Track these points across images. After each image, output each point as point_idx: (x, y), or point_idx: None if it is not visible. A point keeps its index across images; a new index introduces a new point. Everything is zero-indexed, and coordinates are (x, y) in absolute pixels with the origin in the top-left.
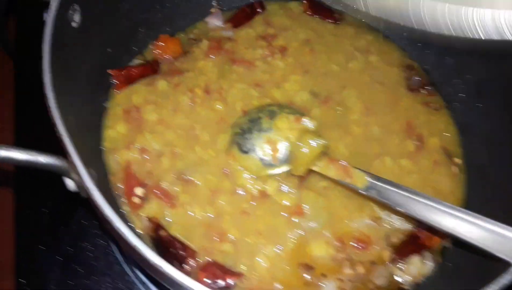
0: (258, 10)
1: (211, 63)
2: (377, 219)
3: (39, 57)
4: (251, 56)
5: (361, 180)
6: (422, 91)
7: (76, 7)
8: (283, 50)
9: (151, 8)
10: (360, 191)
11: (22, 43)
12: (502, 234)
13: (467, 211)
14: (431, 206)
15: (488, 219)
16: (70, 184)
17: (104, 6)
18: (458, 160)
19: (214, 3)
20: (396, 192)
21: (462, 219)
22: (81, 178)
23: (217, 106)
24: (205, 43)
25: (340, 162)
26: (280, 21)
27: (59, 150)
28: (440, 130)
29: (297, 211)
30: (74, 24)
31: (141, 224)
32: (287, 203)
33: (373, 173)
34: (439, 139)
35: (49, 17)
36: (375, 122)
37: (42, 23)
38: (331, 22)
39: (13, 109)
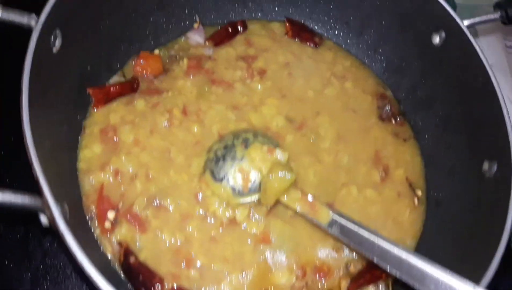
0: (240, 29)
1: (190, 83)
2: (339, 249)
3: (17, 88)
4: (230, 77)
5: (325, 216)
6: (393, 121)
7: (58, 32)
8: (262, 72)
9: (133, 23)
10: (322, 227)
11: None
12: (441, 281)
13: (417, 256)
14: (387, 249)
15: (439, 267)
16: (44, 220)
17: (85, 27)
18: (420, 192)
19: (197, 18)
20: (356, 231)
21: (413, 267)
22: (53, 217)
23: (194, 128)
24: (185, 62)
25: (307, 198)
26: (261, 42)
27: (31, 185)
28: (406, 162)
29: (264, 239)
30: (54, 50)
31: (112, 249)
32: (255, 231)
33: (338, 202)
34: (405, 170)
35: (30, 47)
36: (345, 150)
37: (19, 52)
38: (311, 46)
39: None
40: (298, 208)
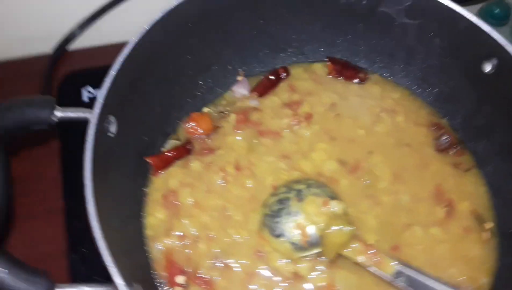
0: (282, 75)
1: (239, 137)
2: None
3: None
4: (277, 126)
5: (389, 267)
6: (451, 151)
7: (112, 118)
8: (308, 117)
9: (181, 89)
10: (387, 278)
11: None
12: None
13: None
14: None
15: None
16: None
17: (137, 107)
18: (489, 225)
19: (240, 70)
20: (424, 282)
21: None
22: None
23: (248, 183)
24: (232, 117)
25: (369, 249)
26: (305, 86)
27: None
28: (470, 193)
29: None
30: (110, 134)
31: None
32: (320, 284)
33: (403, 245)
34: (470, 202)
35: (88, 141)
36: (403, 190)
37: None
38: (357, 83)
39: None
40: (360, 260)
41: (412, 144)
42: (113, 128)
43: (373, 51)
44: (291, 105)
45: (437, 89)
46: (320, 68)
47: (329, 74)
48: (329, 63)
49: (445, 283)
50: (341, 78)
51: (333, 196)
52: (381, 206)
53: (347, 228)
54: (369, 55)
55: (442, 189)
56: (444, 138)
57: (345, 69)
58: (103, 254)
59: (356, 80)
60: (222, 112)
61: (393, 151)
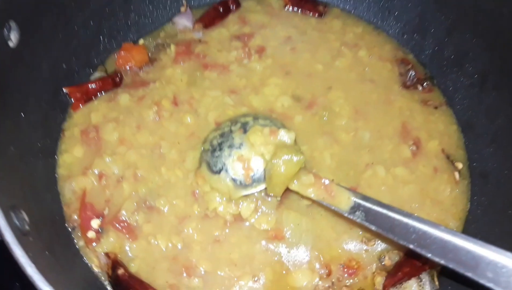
0: (232, 7)
1: (180, 70)
2: (369, 240)
3: None
4: (225, 60)
5: (344, 200)
6: (419, 87)
7: (12, 24)
8: (260, 50)
9: (112, 14)
10: (344, 213)
11: None
12: (501, 265)
13: (466, 237)
14: (426, 232)
15: (488, 246)
16: None
17: (51, 22)
18: (460, 165)
19: (183, 1)
20: (385, 214)
21: (463, 251)
22: None
23: (187, 119)
24: (172, 48)
25: (322, 180)
26: (257, 19)
27: None
28: (440, 132)
29: (277, 236)
30: (11, 44)
31: (98, 261)
32: (265, 227)
33: (364, 186)
34: (439, 141)
35: None
36: (365, 127)
37: None
38: (315, 16)
39: None
40: (311, 194)
41: (376, 80)
42: (13, 37)
43: None
44: (241, 37)
45: (403, 21)
46: (275, 1)
47: (284, 6)
48: None
49: (410, 214)
50: (298, 11)
51: (282, 127)
52: (339, 144)
53: (297, 157)
54: None
55: (408, 127)
56: (411, 73)
57: (303, 2)
58: None
59: (315, 14)
60: (159, 44)
61: (355, 86)
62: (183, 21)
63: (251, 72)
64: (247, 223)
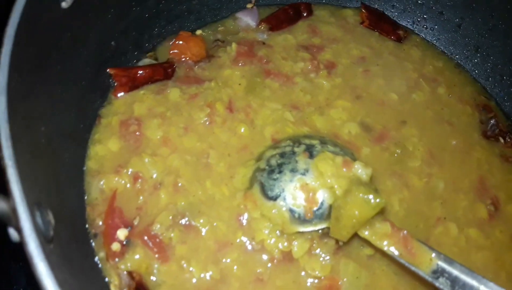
0: (303, 13)
1: (239, 73)
2: None
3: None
4: (289, 69)
5: (426, 261)
6: (501, 140)
7: None
8: (330, 66)
9: (176, 1)
10: (422, 275)
11: None
12: None
13: None
14: None
15: None
16: (13, 234)
17: None
18: None
19: None
20: (477, 288)
21: None
22: (20, 228)
23: (242, 129)
24: (233, 47)
25: (400, 232)
26: (329, 31)
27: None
28: None
29: (331, 286)
30: (64, 4)
31: (119, 281)
32: (318, 274)
33: (433, 243)
34: None
35: None
36: (440, 174)
37: None
38: (393, 40)
39: None
40: (387, 247)
41: (454, 123)
42: None
43: (419, 6)
44: (310, 48)
45: (491, 62)
46: (351, 15)
47: (361, 23)
48: (363, 11)
49: None
50: (376, 31)
51: (356, 159)
52: (411, 189)
53: (377, 199)
54: (414, 10)
55: (486, 183)
56: (493, 122)
57: (382, 22)
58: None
59: (393, 38)
60: (219, 40)
61: (431, 126)
62: (247, 19)
63: (318, 89)
64: (298, 265)
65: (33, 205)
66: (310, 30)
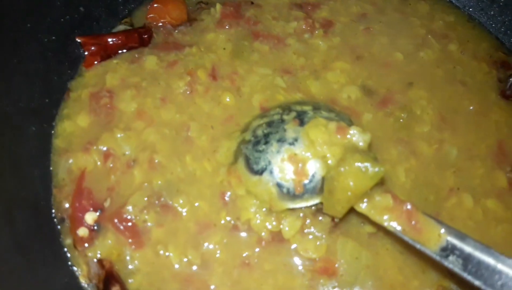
0: None
1: (224, 36)
2: None
3: None
4: (281, 31)
5: (434, 237)
6: None
7: None
8: (327, 25)
9: None
10: (433, 256)
11: None
12: None
13: None
14: None
15: None
16: None
17: None
18: None
19: None
20: (494, 267)
21: None
22: None
23: (226, 98)
24: (217, 8)
25: (403, 205)
26: None
27: None
28: None
29: (327, 269)
30: None
31: (88, 270)
32: (312, 255)
33: (445, 217)
34: None
35: None
36: (452, 140)
37: None
38: None
39: None
40: (388, 222)
41: (468, 83)
42: None
43: None
44: (304, 6)
45: (510, 13)
46: None
47: None
48: None
49: None
50: None
51: (352, 124)
52: (418, 157)
53: (376, 168)
54: None
55: (506, 148)
56: None
57: None
58: None
59: None
60: (202, 2)
61: (442, 87)
62: None
63: (313, 51)
64: (288, 246)
65: None
66: None
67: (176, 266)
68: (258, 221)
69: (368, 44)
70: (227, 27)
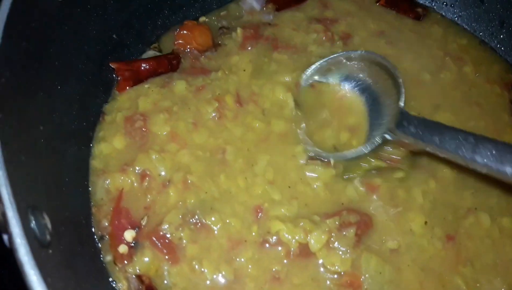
0: None
1: (246, 58)
2: None
3: None
4: (300, 41)
5: None
6: None
7: None
8: (346, 37)
9: None
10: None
11: None
12: None
13: None
14: None
15: None
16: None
17: None
18: None
19: None
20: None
21: None
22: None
23: (256, 124)
24: (239, 32)
25: None
26: (343, 7)
27: None
28: None
29: (352, 283)
30: None
31: (128, 285)
32: (338, 269)
33: (462, 235)
34: None
35: None
36: None
37: None
38: (412, 18)
39: None
40: None
41: (482, 104)
42: None
43: None
44: (323, 21)
45: None
46: None
47: (376, 2)
48: None
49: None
50: (392, 9)
51: None
52: (438, 179)
53: None
54: None
55: None
56: None
57: (398, 0)
58: None
59: (410, 16)
60: (224, 28)
61: (462, 108)
62: (252, 1)
63: None
64: (315, 260)
65: (26, 209)
66: (321, 5)
67: (210, 280)
68: (287, 234)
69: (397, 57)
70: (249, 48)
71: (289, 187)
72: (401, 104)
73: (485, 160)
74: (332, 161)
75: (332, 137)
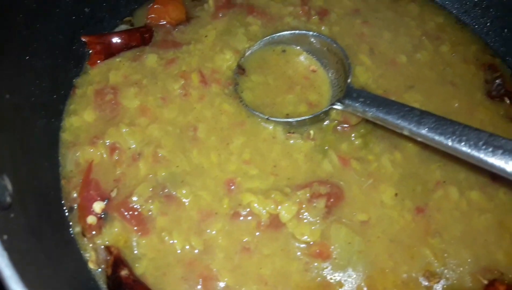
0: None
1: (218, 25)
2: (432, 276)
3: None
4: (277, 11)
5: None
6: (506, 100)
7: None
8: (323, 13)
9: None
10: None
11: None
12: None
13: None
14: None
15: None
16: None
17: None
18: None
19: None
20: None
21: None
22: None
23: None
24: (210, 2)
25: None
26: None
27: None
28: None
29: (321, 253)
30: None
31: (96, 256)
32: (308, 239)
33: (432, 208)
34: None
35: None
36: None
37: None
38: None
39: None
40: None
41: (457, 83)
42: None
43: None
44: None
45: (494, 18)
46: None
47: None
48: None
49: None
50: None
51: None
52: (405, 151)
53: None
54: None
55: None
56: (498, 82)
57: None
58: None
59: None
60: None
61: (436, 88)
62: None
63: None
64: (286, 230)
65: None
66: None
67: (180, 251)
68: (258, 205)
69: (374, 36)
70: (220, 15)
71: (266, 161)
72: (349, 80)
73: (428, 131)
74: (311, 133)
75: (292, 106)
